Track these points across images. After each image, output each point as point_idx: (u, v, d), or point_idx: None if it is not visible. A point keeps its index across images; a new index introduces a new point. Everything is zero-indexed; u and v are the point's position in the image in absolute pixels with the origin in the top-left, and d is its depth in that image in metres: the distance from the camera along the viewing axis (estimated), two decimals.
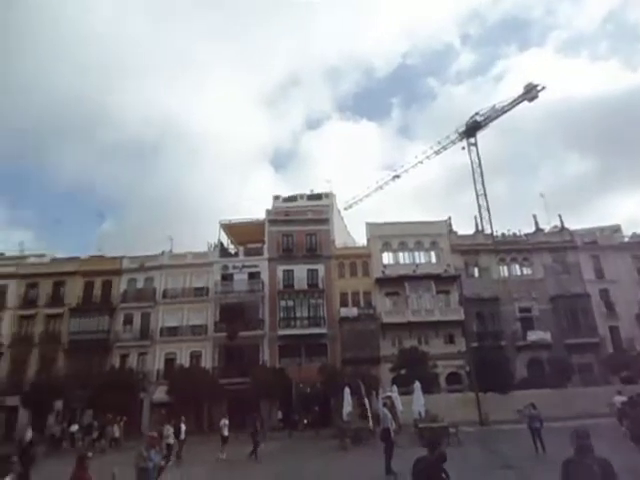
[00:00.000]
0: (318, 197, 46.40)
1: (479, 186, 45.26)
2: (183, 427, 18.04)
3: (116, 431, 24.38)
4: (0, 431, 34.24)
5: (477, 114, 46.24)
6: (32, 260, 42.77)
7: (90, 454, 6.51)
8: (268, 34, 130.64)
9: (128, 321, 37.82)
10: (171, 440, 16.37)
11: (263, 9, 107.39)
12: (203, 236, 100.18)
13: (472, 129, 46.56)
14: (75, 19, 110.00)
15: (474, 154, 46.46)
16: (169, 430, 16.73)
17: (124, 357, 36.79)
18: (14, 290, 39.47)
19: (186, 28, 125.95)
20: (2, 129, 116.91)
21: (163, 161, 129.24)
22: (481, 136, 47.30)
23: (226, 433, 18.30)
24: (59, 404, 33.56)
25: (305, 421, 31.13)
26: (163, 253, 40.19)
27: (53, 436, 22.39)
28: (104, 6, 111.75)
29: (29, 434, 13.37)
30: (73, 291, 39.06)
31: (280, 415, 30.30)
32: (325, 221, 41.28)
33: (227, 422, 18.93)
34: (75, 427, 23.49)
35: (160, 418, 34.49)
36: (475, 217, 43.47)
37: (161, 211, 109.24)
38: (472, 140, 46.82)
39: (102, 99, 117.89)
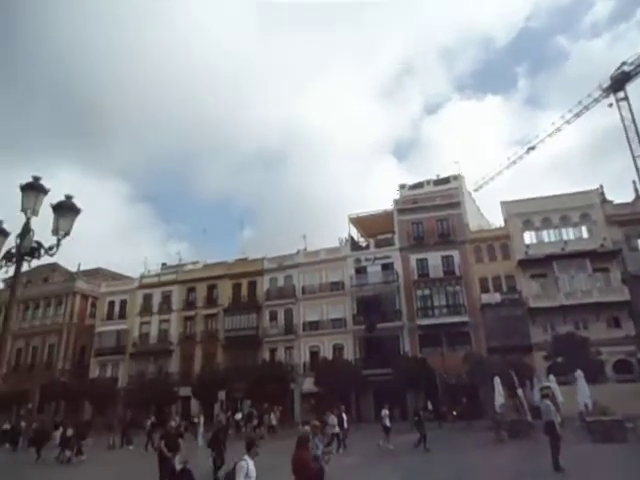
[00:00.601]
0: (445, 181, 44.51)
1: (635, 146, 39.34)
2: (345, 417, 18.24)
3: (273, 419, 26.21)
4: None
5: (624, 64, 40.24)
6: (189, 267, 48.20)
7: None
8: (377, 26, 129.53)
9: (273, 317, 40.48)
10: (336, 429, 16.66)
11: (371, 2, 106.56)
12: (334, 232, 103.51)
13: (620, 82, 40.70)
14: (201, 43, 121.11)
15: (625, 110, 40.54)
16: (333, 419, 16.93)
17: (273, 351, 39.46)
18: (177, 294, 44.82)
19: (297, 38, 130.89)
20: (154, 155, 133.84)
21: (291, 166, 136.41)
22: (631, 89, 41.11)
23: (388, 423, 18.26)
24: (222, 394, 37.23)
25: (454, 412, 30.12)
26: (298, 252, 42.17)
27: (220, 423, 24.79)
28: (221, 26, 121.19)
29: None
30: (224, 292, 43.01)
31: (430, 406, 29.73)
32: (456, 205, 39.49)
33: (388, 412, 18.90)
34: (239, 415, 25.88)
35: (310, 408, 36.68)
36: (634, 182, 37.89)
37: (293, 213, 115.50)
38: (621, 95, 40.91)
39: (233, 115, 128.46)
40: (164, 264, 51.31)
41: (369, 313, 37.25)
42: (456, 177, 43.61)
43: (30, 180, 8.47)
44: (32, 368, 46.24)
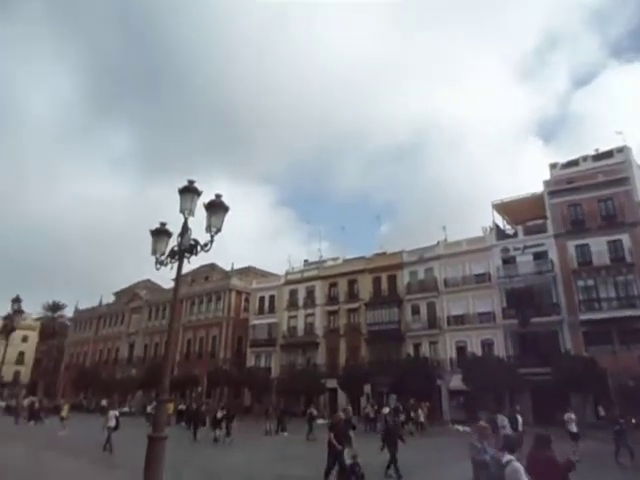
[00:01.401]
0: (607, 155, 38.68)
1: None
2: (519, 418, 16.22)
3: (421, 415, 25.49)
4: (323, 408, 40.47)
5: None
6: (329, 263, 49.60)
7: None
8: (514, 3, 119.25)
9: (415, 311, 39.51)
10: (508, 430, 15.03)
11: None
12: (475, 222, 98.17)
13: None
14: (336, 46, 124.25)
15: None
16: (503, 420, 15.48)
17: (417, 346, 38.53)
18: (320, 289, 46.45)
19: (425, 28, 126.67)
20: (294, 161, 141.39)
21: (427, 158, 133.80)
22: None
23: (575, 429, 16.10)
24: (368, 388, 37.53)
25: (633, 420, 25.98)
26: (438, 243, 40.53)
27: (367, 416, 24.98)
28: (354, 29, 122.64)
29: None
30: (364, 287, 43.31)
31: (602, 411, 26.13)
32: (623, 181, 34.10)
33: (574, 416, 16.64)
34: (386, 410, 25.67)
35: (458, 405, 35.02)
36: None
37: (431, 204, 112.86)
38: None
39: (366, 114, 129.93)
40: (306, 261, 53.59)
41: (521, 307, 34.13)
42: (621, 149, 37.64)
43: (186, 184, 9.28)
44: (200, 356, 52.05)
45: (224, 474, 12.67)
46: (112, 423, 16.66)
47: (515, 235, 37.99)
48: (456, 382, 34.07)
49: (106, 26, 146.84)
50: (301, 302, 47.35)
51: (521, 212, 39.74)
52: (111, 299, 73.22)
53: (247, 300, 53.22)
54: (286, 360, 45.92)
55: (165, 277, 69.79)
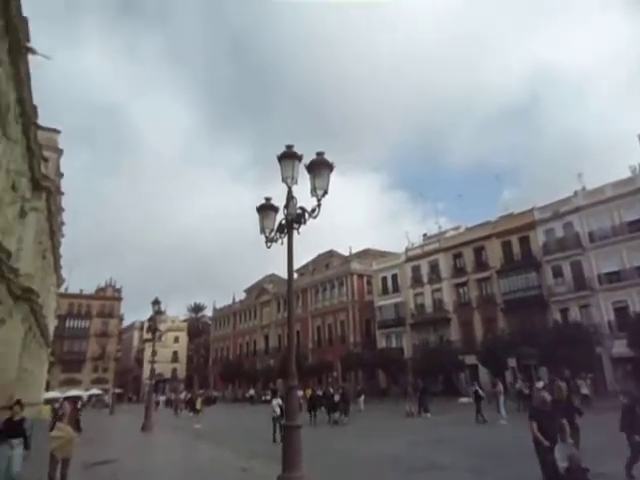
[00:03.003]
0: None
1: None
2: None
3: (584, 388, 22.21)
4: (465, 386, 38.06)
5: None
6: (450, 234, 46.60)
7: None
8: None
9: (558, 273, 35.15)
10: None
11: None
12: (612, 171, 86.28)
13: None
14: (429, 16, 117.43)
15: None
16: None
17: (564, 311, 34.27)
18: (444, 262, 43.84)
19: None
20: (399, 144, 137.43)
21: (544, 111, 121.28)
22: None
23: None
24: (512, 362, 34.36)
25: None
26: (576, 193, 35.48)
27: (520, 392, 22.37)
28: None
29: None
30: (493, 254, 39.78)
31: None
32: None
33: None
34: (540, 384, 22.86)
35: (626, 374, 30.31)
36: None
37: (556, 161, 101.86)
38: None
39: (474, 80, 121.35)
40: (425, 235, 51.12)
41: None
42: None
43: (284, 150, 8.32)
44: (331, 342, 52.62)
45: (372, 462, 11.70)
46: (278, 411, 16.07)
47: None
48: (620, 348, 29.57)
49: (217, 59, 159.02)
50: (425, 278, 45.16)
51: None
52: (243, 296, 77.76)
53: (369, 282, 52.43)
54: (418, 339, 44.23)
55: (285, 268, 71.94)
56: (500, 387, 20.76)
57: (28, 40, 13.11)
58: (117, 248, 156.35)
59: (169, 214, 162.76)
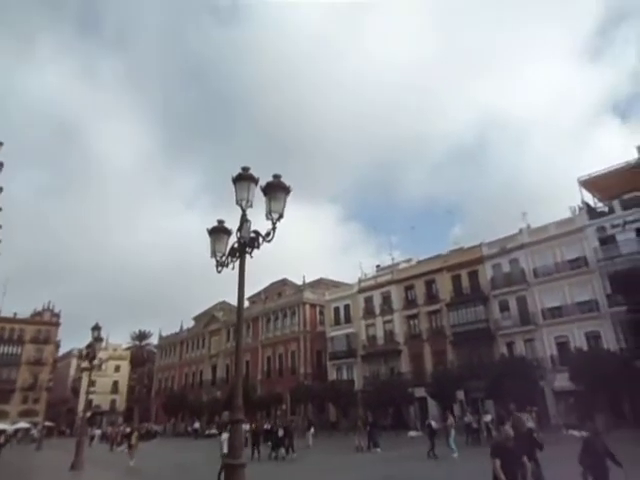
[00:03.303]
0: None
1: None
2: None
3: (529, 421, 22.50)
4: (414, 419, 37.96)
5: None
6: (403, 266, 47.34)
7: None
8: None
9: (504, 307, 36.23)
10: None
11: None
12: (555, 209, 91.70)
13: None
14: (386, 57, 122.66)
15: None
16: None
17: (510, 345, 35.19)
18: (396, 294, 44.27)
19: (474, 25, 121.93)
20: (357, 177, 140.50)
21: (494, 154, 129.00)
22: None
23: None
24: (461, 394, 34.61)
25: None
26: (521, 231, 37.11)
27: (469, 426, 22.44)
28: (402, 36, 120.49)
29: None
30: (444, 287, 40.59)
31: None
32: None
33: None
34: (488, 417, 23.12)
35: (568, 408, 31.20)
36: None
37: (503, 200, 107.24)
38: None
39: (425, 120, 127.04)
40: (378, 266, 51.65)
41: (629, 291, 30.03)
42: None
43: (240, 172, 8.06)
44: (281, 374, 51.39)
45: None
46: (225, 449, 14.91)
47: (611, 211, 33.79)
48: (562, 382, 30.49)
49: (175, 84, 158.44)
50: (378, 309, 45.36)
51: (613, 186, 35.34)
52: (191, 324, 75.16)
53: (322, 312, 52.06)
54: (369, 371, 43.98)
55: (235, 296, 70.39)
56: (451, 420, 20.69)
57: None
58: (59, 272, 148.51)
59: (116, 239, 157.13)
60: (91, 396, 77.45)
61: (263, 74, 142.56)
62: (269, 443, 22.66)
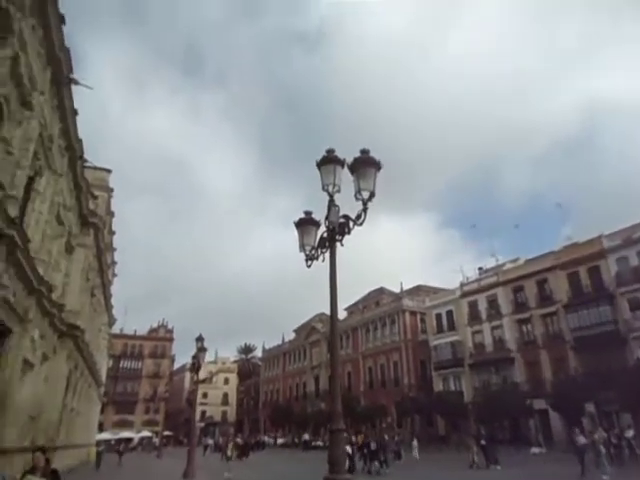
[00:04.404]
0: None
1: None
2: None
3: None
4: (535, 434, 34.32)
5: None
6: (508, 266, 43.76)
7: None
8: None
9: (635, 306, 31.58)
10: None
11: None
12: None
13: None
14: (479, 54, 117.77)
15: None
16: None
17: None
18: (503, 297, 40.88)
19: (570, 16, 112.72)
20: (453, 182, 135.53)
21: (602, 143, 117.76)
22: None
23: None
24: (590, 407, 30.70)
25: None
26: None
27: (609, 441, 19.41)
28: (496, 29, 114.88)
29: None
30: (558, 286, 36.62)
31: None
32: None
33: None
34: (630, 432, 19.83)
35: None
36: None
37: (616, 189, 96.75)
38: None
39: (526, 113, 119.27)
40: (480, 269, 48.43)
41: None
42: None
43: (324, 155, 7.33)
44: (384, 384, 49.86)
45: None
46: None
47: None
48: None
49: (271, 112, 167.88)
50: (484, 314, 42.19)
51: None
52: (292, 336, 76.40)
53: (423, 320, 49.82)
54: (478, 381, 40.90)
55: (339, 308, 70.43)
56: (601, 434, 17.86)
57: (71, 71, 13.18)
58: (172, 291, 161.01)
59: (223, 258, 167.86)
60: (204, 407, 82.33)
61: (350, 90, 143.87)
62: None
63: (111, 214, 29.81)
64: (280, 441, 56.06)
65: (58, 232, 16.96)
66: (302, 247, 7.60)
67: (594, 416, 30.51)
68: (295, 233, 7.64)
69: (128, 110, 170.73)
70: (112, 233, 32.85)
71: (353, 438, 25.84)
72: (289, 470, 24.39)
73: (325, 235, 7.24)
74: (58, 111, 13.86)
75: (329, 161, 7.24)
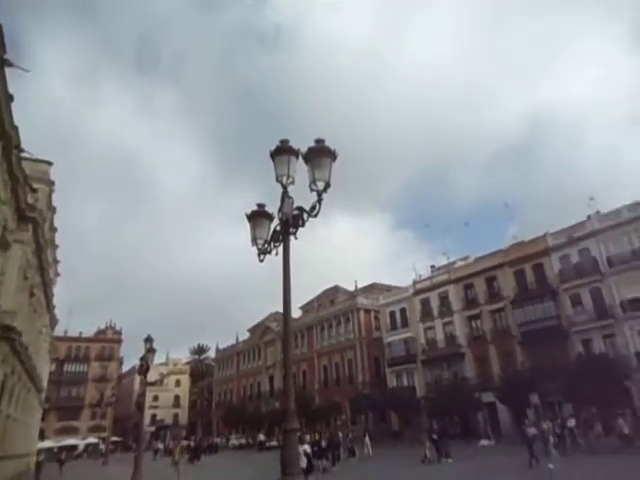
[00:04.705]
0: None
1: None
2: None
3: (624, 426, 19.98)
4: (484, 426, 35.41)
5: None
6: (459, 264, 44.94)
7: None
8: None
9: (576, 302, 33.23)
10: None
11: None
12: (620, 197, 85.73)
13: None
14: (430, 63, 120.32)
15: None
16: None
17: (586, 342, 32.15)
18: (454, 294, 41.94)
19: (519, 23, 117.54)
20: (408, 184, 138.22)
21: (546, 148, 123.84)
22: None
23: None
24: (534, 398, 31.98)
25: None
26: (590, 218, 34.04)
27: (553, 432, 20.18)
28: (443, 39, 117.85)
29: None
30: (506, 283, 37.97)
31: None
32: None
33: None
34: (572, 422, 20.77)
35: None
36: None
37: (559, 191, 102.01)
38: None
39: (472, 120, 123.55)
40: (433, 266, 49.41)
41: None
42: None
43: (278, 145, 7.02)
44: (338, 382, 50.03)
45: None
46: (302, 463, 12.31)
47: None
48: None
49: (226, 109, 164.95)
50: (436, 311, 43.15)
51: None
52: (247, 336, 75.34)
53: (377, 318, 50.37)
54: (430, 376, 41.79)
55: (294, 307, 70.11)
56: (549, 425, 18.54)
57: (4, 51, 12.17)
58: (122, 292, 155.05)
59: (173, 258, 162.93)
60: (154, 410, 79.74)
61: (308, 90, 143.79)
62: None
63: (52, 209, 28.14)
64: (234, 442, 54.94)
65: None
66: (254, 241, 7.25)
67: (538, 407, 31.80)
68: (248, 233, 7.28)
69: (80, 106, 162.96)
70: (54, 230, 31.06)
71: (310, 437, 25.61)
72: (240, 472, 23.86)
73: (278, 228, 6.98)
74: None
75: (283, 151, 6.93)
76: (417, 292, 45.40)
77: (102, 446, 55.08)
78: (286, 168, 6.85)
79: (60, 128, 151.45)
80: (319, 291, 63.03)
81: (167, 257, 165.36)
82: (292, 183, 6.94)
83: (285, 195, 6.85)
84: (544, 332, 33.98)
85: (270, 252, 7.26)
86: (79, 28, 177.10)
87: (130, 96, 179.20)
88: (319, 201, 6.34)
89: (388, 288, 54.89)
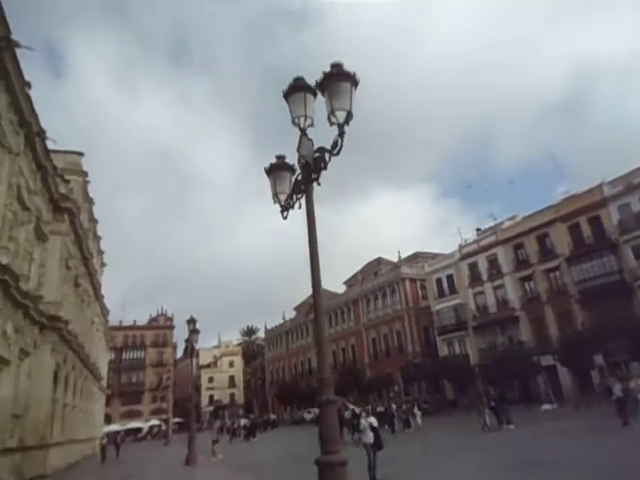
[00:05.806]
0: None
1: None
2: None
3: None
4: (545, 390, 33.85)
5: None
6: (507, 224, 42.73)
7: None
8: None
9: None
10: None
11: None
12: None
13: None
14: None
15: None
16: None
17: None
18: (503, 256, 39.95)
19: None
20: (449, 154, 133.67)
21: (592, 104, 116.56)
22: None
23: None
24: (599, 359, 30.11)
25: None
26: None
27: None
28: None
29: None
30: (560, 240, 35.66)
31: None
32: None
33: None
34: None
35: None
36: None
37: (609, 148, 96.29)
38: None
39: (515, 77, 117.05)
40: (478, 229, 47.38)
41: None
42: None
43: (290, 83, 6.08)
44: (388, 354, 49.35)
45: None
46: (371, 436, 11.42)
47: None
48: None
49: (258, 95, 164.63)
50: (485, 275, 41.34)
51: None
52: (293, 314, 75.78)
53: (423, 287, 49.03)
54: (484, 342, 40.32)
55: (335, 283, 69.65)
56: (637, 381, 17.15)
57: (9, 32, 11.70)
58: (172, 281, 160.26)
59: (218, 247, 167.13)
60: (211, 392, 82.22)
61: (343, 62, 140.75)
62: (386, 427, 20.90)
63: (90, 200, 28.40)
64: (305, 417, 55.56)
65: (23, 218, 15.69)
66: (275, 196, 6.45)
67: (603, 367, 29.93)
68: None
69: (120, 105, 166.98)
70: (94, 221, 31.51)
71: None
72: (303, 448, 23.72)
73: (300, 178, 6.12)
74: (2, 80, 12.43)
75: (298, 89, 5.99)
76: (464, 257, 43.63)
77: (164, 427, 57.31)
78: (302, 108, 5.94)
79: (102, 128, 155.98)
80: (361, 264, 62.13)
81: (212, 246, 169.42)
82: (311, 125, 6.04)
83: (304, 137, 5.97)
84: (605, 288, 31.78)
85: (293, 206, 6.45)
86: (115, 29, 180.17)
87: (167, 92, 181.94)
88: (340, 135, 5.36)
89: (432, 256, 53.19)
